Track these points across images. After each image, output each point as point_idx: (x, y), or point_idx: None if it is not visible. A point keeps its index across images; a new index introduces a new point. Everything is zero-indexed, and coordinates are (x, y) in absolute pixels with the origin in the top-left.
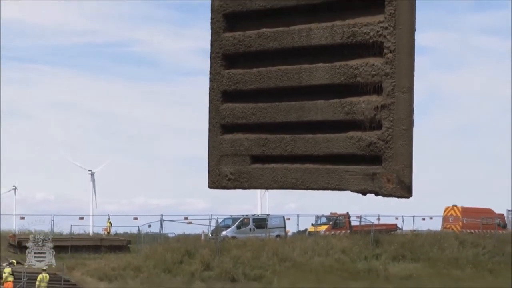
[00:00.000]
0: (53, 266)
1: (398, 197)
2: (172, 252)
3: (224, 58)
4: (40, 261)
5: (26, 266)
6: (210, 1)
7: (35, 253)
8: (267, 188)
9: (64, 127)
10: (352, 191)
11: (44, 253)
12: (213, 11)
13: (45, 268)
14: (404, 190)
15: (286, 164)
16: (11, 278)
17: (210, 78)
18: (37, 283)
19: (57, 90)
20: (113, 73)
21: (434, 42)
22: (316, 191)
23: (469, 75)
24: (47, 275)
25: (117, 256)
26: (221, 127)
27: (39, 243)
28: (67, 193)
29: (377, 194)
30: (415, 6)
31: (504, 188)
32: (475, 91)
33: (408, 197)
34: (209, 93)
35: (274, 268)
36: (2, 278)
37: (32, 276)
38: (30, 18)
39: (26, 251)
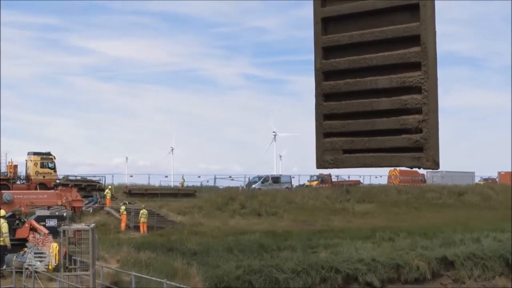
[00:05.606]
0: (53, 266)
1: (432, 169)
2: (221, 197)
3: (324, 96)
4: (40, 261)
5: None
6: (244, 46)
7: (35, 253)
8: (353, 167)
9: (160, 122)
10: (406, 167)
11: (44, 253)
12: (316, 69)
13: (143, 206)
14: (436, 165)
15: (365, 154)
16: (125, 212)
17: (315, 106)
18: (140, 215)
19: (155, 99)
20: (188, 89)
21: None
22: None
23: None
24: (146, 211)
25: (188, 200)
26: (323, 134)
27: (39, 244)
28: (158, 161)
29: (419, 168)
30: (436, 66)
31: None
32: None
33: (437, 169)
34: (315, 116)
35: (284, 207)
36: (119, 212)
37: (137, 211)
38: (138, 55)
39: (26, 251)
